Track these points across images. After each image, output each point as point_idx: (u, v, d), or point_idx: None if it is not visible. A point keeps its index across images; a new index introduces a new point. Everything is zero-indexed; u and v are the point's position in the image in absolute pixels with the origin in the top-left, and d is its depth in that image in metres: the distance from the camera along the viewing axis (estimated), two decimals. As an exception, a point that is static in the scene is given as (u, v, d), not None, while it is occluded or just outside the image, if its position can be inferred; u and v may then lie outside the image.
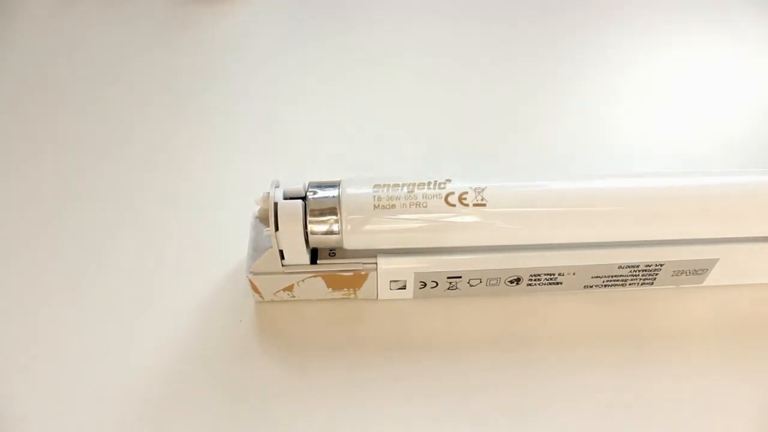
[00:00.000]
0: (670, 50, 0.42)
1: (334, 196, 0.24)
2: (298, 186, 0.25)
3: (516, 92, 0.39)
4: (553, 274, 0.27)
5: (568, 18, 0.45)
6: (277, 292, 0.27)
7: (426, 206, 0.24)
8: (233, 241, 0.30)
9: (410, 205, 0.24)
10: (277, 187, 0.25)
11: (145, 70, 0.41)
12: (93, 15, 0.44)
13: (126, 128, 0.37)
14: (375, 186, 0.24)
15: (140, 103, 0.38)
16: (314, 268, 0.26)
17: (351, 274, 0.26)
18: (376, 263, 0.26)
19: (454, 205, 0.24)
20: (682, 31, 0.43)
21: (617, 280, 0.28)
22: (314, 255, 0.26)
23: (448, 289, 0.27)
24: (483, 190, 0.24)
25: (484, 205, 0.24)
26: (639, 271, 0.27)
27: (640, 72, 0.40)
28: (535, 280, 0.27)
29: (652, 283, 0.28)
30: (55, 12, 0.44)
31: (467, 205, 0.24)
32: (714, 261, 0.27)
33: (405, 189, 0.24)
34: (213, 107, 0.38)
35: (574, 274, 0.27)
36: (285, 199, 0.24)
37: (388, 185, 0.24)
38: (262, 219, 0.27)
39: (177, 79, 0.40)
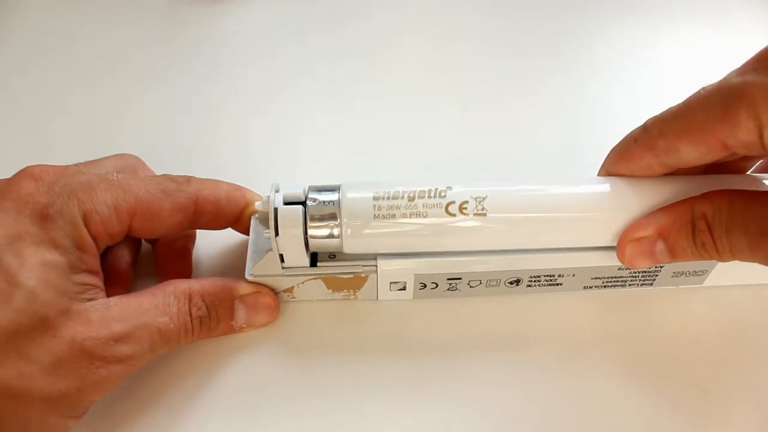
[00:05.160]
0: (670, 51, 0.41)
1: (334, 201, 0.24)
2: (297, 190, 0.25)
3: (517, 95, 0.39)
4: (553, 276, 0.27)
5: (568, 21, 0.44)
6: (277, 293, 0.27)
7: (426, 215, 0.24)
8: (234, 242, 0.30)
9: (410, 214, 0.24)
10: (277, 191, 0.25)
11: (144, 71, 0.40)
12: (93, 14, 0.44)
13: (124, 128, 0.37)
14: (375, 193, 0.24)
15: (138, 103, 0.38)
16: (314, 270, 0.26)
17: (351, 276, 0.26)
18: (376, 265, 0.26)
19: (454, 215, 0.24)
20: (682, 31, 0.43)
21: (617, 281, 0.28)
22: (314, 257, 0.27)
23: (448, 290, 0.28)
24: (483, 199, 0.24)
25: (484, 214, 0.24)
26: (639, 272, 0.27)
27: (640, 73, 0.40)
28: (534, 281, 0.27)
29: (652, 284, 0.28)
30: (55, 10, 0.44)
31: (467, 215, 0.24)
32: (714, 262, 0.27)
33: (405, 197, 0.24)
34: (212, 108, 0.38)
35: (573, 275, 0.27)
36: (285, 203, 0.24)
37: (388, 193, 0.24)
38: (262, 220, 0.27)
39: (177, 79, 0.40)
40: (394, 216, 0.24)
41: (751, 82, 0.20)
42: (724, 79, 0.21)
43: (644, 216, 0.24)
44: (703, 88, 0.22)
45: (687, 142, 0.22)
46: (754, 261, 0.22)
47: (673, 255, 0.24)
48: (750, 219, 0.21)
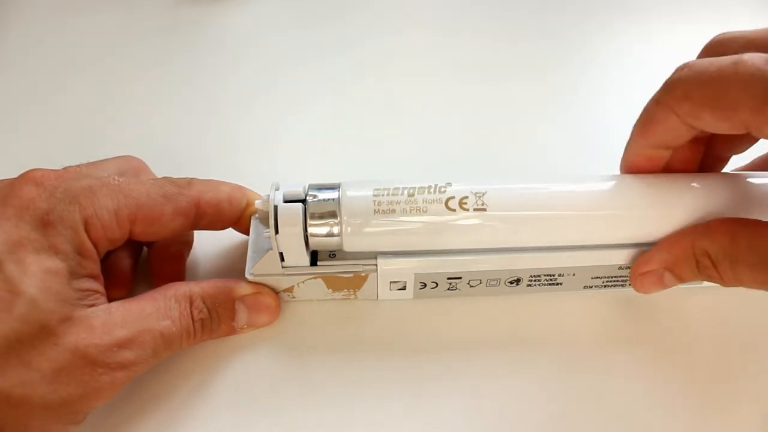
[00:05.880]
0: (669, 49, 0.42)
1: (334, 199, 0.24)
2: (298, 189, 0.25)
3: (517, 93, 0.39)
4: (553, 275, 0.27)
5: (568, 18, 0.44)
6: (277, 293, 0.27)
7: (426, 211, 0.24)
8: (234, 242, 0.30)
9: (410, 210, 0.24)
10: (277, 189, 0.25)
11: (143, 70, 0.40)
12: (91, 13, 0.44)
13: (123, 127, 0.37)
14: (375, 189, 0.24)
15: (138, 102, 0.38)
16: (314, 269, 0.26)
17: (351, 275, 0.26)
18: (376, 265, 0.26)
19: (454, 210, 0.24)
20: (680, 31, 0.43)
21: (617, 281, 0.28)
22: (314, 256, 0.27)
23: (448, 289, 0.28)
24: (483, 194, 0.24)
25: (484, 209, 0.24)
26: (639, 271, 0.27)
27: (640, 71, 0.40)
28: (535, 280, 0.27)
29: (652, 284, 0.28)
30: (52, 9, 0.44)
31: (468, 210, 0.24)
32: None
33: (405, 193, 0.24)
34: (211, 106, 0.38)
35: (573, 274, 0.27)
36: (285, 201, 0.24)
37: (388, 189, 0.24)
38: (263, 219, 0.27)
39: (176, 78, 0.40)
40: (393, 212, 0.24)
41: None
42: None
43: (649, 251, 0.25)
44: (745, 63, 0.20)
45: (712, 114, 0.21)
46: (761, 289, 0.22)
47: (682, 281, 0.25)
48: (755, 254, 0.21)
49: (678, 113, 0.22)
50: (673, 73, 0.22)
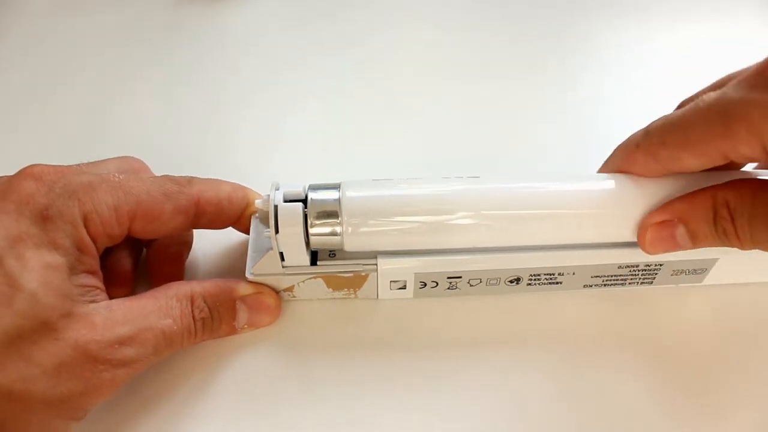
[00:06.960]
0: (669, 47, 0.42)
1: (334, 199, 0.24)
2: (298, 188, 0.25)
3: (517, 91, 0.39)
4: (553, 274, 0.27)
5: (568, 16, 0.44)
6: (278, 292, 0.27)
7: (422, 183, 0.25)
8: (234, 242, 0.30)
9: (407, 181, 0.25)
10: (278, 189, 0.25)
11: (142, 70, 0.40)
12: (90, 13, 0.44)
13: (123, 127, 0.37)
14: (374, 179, 0.25)
15: (138, 102, 0.38)
16: (314, 269, 0.26)
17: (351, 275, 0.26)
18: (376, 264, 0.26)
19: (448, 178, 0.25)
20: (681, 28, 0.43)
21: (617, 280, 0.28)
22: (314, 256, 0.27)
23: (448, 288, 0.28)
24: (477, 177, 0.25)
25: (477, 177, 0.25)
26: (638, 270, 0.27)
27: (640, 70, 0.40)
28: (534, 279, 0.27)
29: (652, 283, 0.28)
30: (52, 9, 0.44)
31: (462, 177, 0.25)
32: (713, 260, 0.27)
33: (402, 177, 0.25)
34: (210, 106, 0.38)
35: (573, 273, 0.27)
36: (285, 201, 0.24)
37: (387, 178, 0.25)
38: (263, 219, 0.27)
39: (175, 78, 0.40)
40: (391, 180, 0.25)
41: (749, 101, 0.20)
42: (723, 92, 0.21)
43: (664, 203, 0.24)
44: (702, 100, 0.22)
45: (689, 153, 0.22)
46: None
47: (694, 240, 0.24)
48: None
49: (657, 159, 0.23)
50: (650, 123, 0.24)
